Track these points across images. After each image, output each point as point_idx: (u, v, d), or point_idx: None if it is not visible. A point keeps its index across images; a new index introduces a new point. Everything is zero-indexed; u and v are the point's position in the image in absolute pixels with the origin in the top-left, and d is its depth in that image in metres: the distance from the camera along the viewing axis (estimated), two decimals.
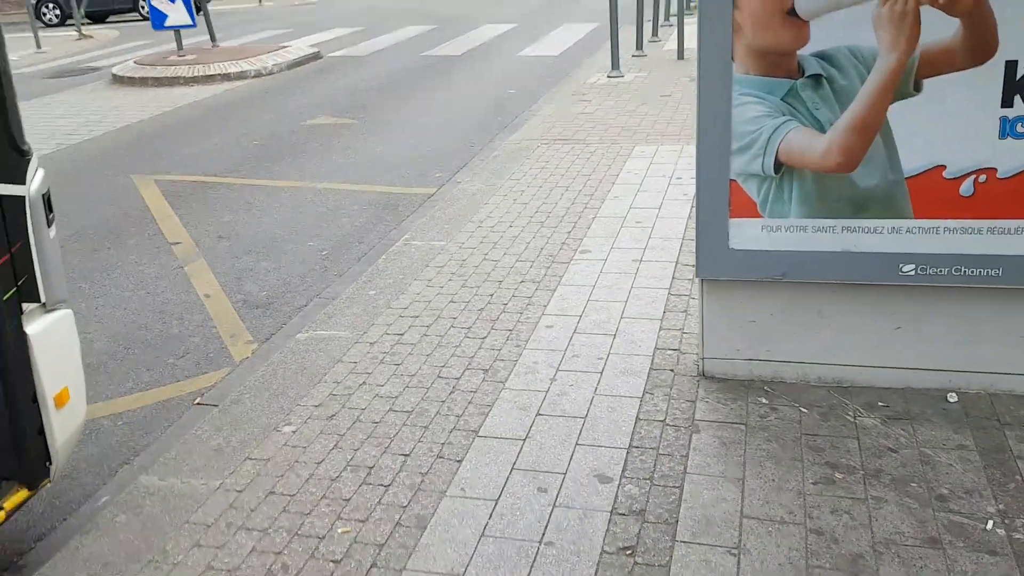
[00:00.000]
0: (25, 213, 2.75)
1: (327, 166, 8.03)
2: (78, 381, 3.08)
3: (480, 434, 3.47)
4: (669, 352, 4.01)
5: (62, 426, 2.98)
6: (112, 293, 5.43)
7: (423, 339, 4.31)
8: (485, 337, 4.29)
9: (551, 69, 12.13)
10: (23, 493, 2.90)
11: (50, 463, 2.96)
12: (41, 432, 2.90)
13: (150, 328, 4.95)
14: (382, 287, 4.97)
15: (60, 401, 2.95)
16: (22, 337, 2.78)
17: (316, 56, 14.54)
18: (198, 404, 3.94)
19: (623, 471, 3.18)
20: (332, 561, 2.83)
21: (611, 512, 2.96)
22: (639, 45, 12.01)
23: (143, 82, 13.05)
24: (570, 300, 4.65)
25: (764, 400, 3.54)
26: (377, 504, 3.09)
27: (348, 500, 3.13)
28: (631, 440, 3.36)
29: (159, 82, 12.95)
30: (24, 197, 2.74)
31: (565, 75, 11.39)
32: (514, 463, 3.27)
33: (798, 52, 3.19)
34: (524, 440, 3.41)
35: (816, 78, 3.19)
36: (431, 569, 2.77)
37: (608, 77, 10.58)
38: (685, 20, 11.63)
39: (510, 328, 4.37)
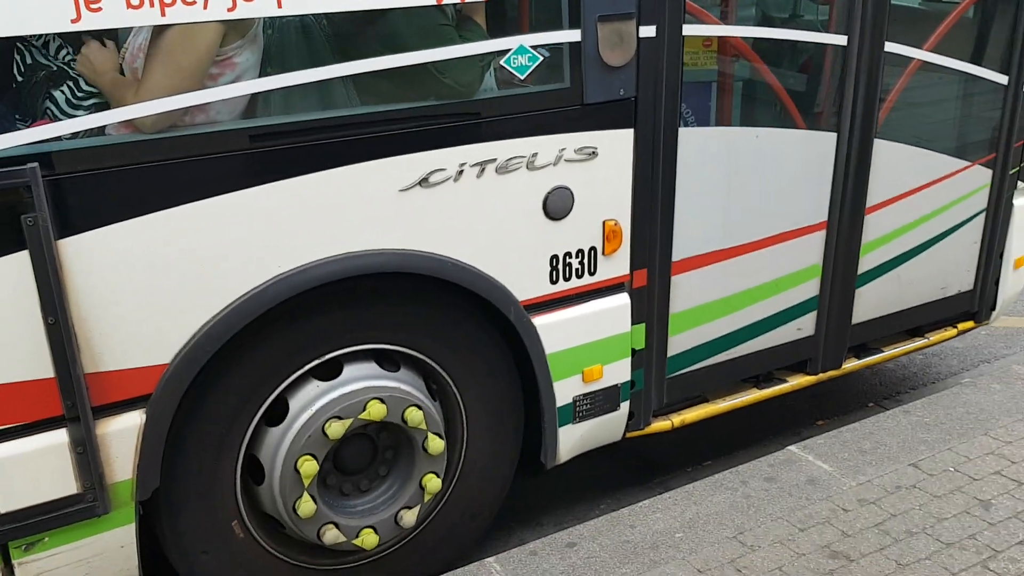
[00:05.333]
0: None
1: None
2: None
3: None
4: None
5: (1010, 285, 3.88)
6: None
7: None
8: None
9: None
10: (969, 324, 3.89)
11: (994, 309, 3.89)
12: (996, 283, 3.84)
13: None
14: None
15: (1017, 264, 3.85)
16: (1009, 205, 3.72)
17: None
18: None
19: None
20: None
21: None
22: None
23: None
24: None
25: None
26: None
27: None
28: None
29: None
30: None
31: None
32: None
33: None
34: None
35: None
36: None
37: None
38: None
39: None
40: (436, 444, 2.64)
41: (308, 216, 2.33)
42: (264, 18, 2.31)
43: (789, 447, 3.34)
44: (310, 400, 2.48)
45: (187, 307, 2.26)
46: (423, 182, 2.44)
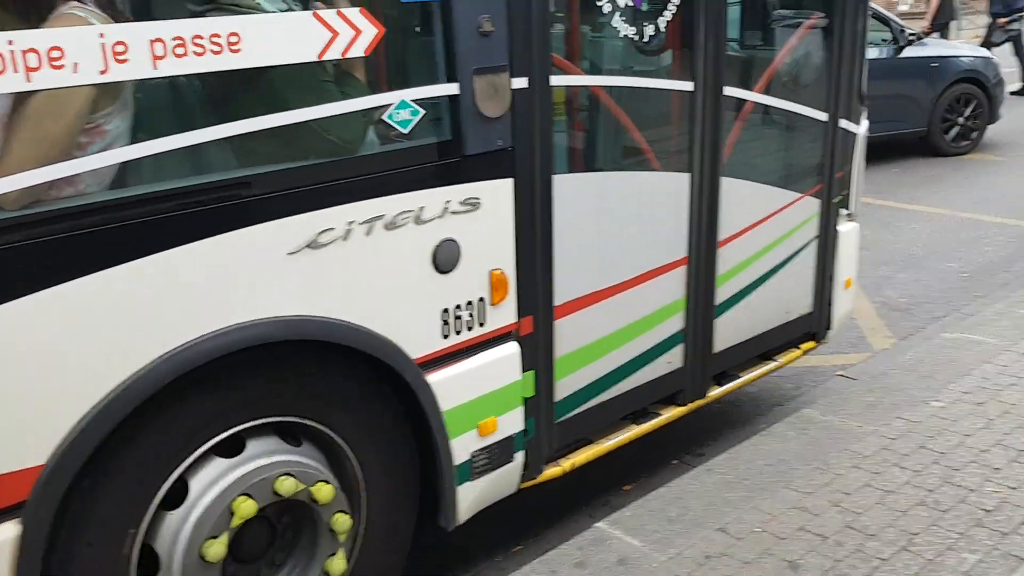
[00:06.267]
0: (855, 147, 4.01)
1: (969, 197, 8.09)
2: (855, 276, 4.27)
3: None
4: None
5: (841, 304, 4.20)
6: None
7: None
8: None
9: None
10: (811, 344, 4.18)
11: (829, 328, 4.20)
12: (829, 304, 4.15)
13: None
14: None
15: (846, 285, 4.18)
16: (835, 231, 4.04)
17: None
18: (840, 375, 4.57)
19: None
20: (982, 509, 3.16)
21: None
22: None
23: None
24: None
25: None
26: None
27: (998, 469, 3.39)
28: None
29: None
30: (856, 135, 4.00)
31: None
32: None
33: None
34: None
35: None
36: None
37: None
38: None
39: None
40: (343, 522, 2.51)
41: (192, 289, 2.17)
42: (135, 81, 2.15)
43: (597, 524, 3.23)
44: (214, 479, 2.31)
45: (62, 400, 2.04)
46: (312, 244, 2.34)
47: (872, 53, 8.50)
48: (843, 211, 4.07)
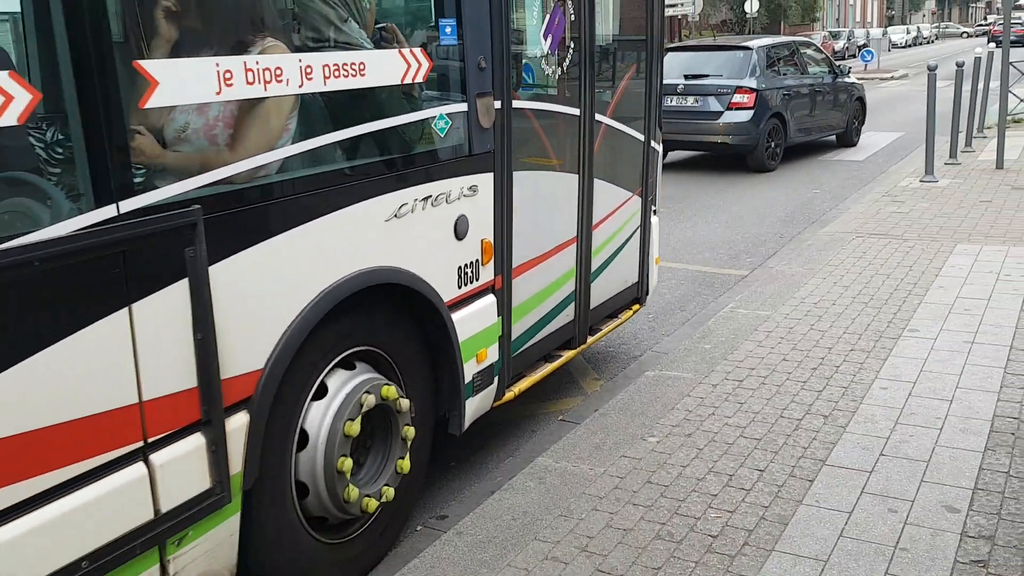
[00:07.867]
0: (658, 161, 5.53)
1: None
2: (660, 256, 5.78)
3: (827, 463, 3.95)
4: (1009, 420, 4.28)
5: (654, 276, 5.70)
6: None
7: (761, 386, 4.84)
8: (821, 391, 4.75)
9: (856, 173, 12.50)
10: (637, 306, 5.60)
11: (647, 294, 5.67)
12: (648, 276, 5.62)
13: None
14: (716, 343, 5.56)
15: (656, 262, 5.68)
16: (651, 221, 5.52)
17: None
18: (562, 420, 4.71)
19: (970, 506, 3.55)
20: (709, 536, 3.44)
21: (961, 535, 3.37)
22: (952, 154, 12.00)
23: None
24: (902, 369, 4.99)
25: None
26: (741, 502, 3.66)
27: (715, 495, 3.72)
28: (975, 484, 3.72)
29: None
30: (658, 151, 5.52)
31: (872, 178, 11.60)
32: (863, 488, 3.73)
33: None
34: (870, 473, 3.85)
35: None
36: (798, 552, 3.30)
37: (921, 182, 10.63)
38: (1007, 131, 11.72)
39: (844, 386, 4.79)
40: (411, 432, 3.46)
41: (340, 242, 3.06)
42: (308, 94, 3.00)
43: None
44: (344, 382, 3.20)
45: (275, 318, 2.84)
46: (397, 214, 3.30)
47: (820, 80, 14.19)
48: (653, 207, 5.57)
